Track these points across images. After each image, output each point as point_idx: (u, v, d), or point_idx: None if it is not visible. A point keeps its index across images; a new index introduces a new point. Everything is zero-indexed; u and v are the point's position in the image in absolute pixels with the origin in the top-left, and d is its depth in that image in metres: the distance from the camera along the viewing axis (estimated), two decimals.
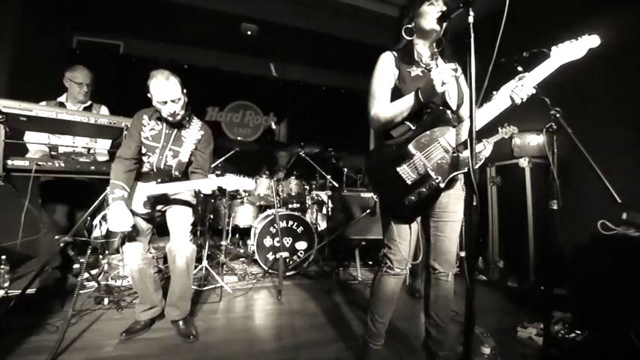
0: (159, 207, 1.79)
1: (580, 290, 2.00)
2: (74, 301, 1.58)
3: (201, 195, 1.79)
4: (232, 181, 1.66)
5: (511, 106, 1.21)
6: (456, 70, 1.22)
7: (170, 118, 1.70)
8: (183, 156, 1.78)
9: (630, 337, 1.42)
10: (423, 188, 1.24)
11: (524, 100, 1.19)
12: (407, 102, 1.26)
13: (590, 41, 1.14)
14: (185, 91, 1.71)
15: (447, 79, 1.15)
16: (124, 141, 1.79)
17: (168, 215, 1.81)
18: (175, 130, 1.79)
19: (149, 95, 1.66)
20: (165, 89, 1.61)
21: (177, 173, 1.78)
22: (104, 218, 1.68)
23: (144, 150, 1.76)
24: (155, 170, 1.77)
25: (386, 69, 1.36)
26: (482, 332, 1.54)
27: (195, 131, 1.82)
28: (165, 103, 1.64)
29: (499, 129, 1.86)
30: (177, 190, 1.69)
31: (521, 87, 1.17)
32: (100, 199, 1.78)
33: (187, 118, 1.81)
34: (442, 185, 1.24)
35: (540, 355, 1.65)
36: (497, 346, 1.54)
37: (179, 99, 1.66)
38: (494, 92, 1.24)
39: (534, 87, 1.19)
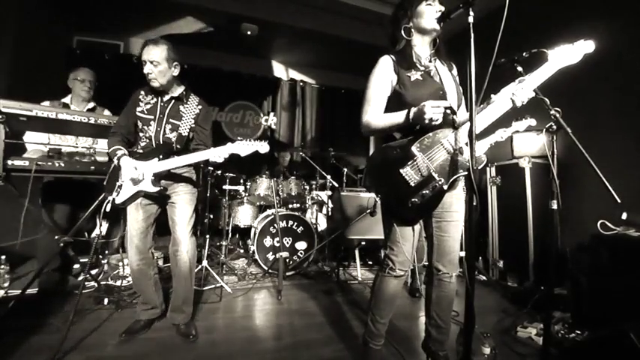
0: (164, 184, 1.73)
1: (580, 290, 1.99)
2: (77, 301, 1.58)
3: (211, 166, 1.75)
4: (245, 146, 1.62)
5: (511, 109, 1.22)
6: (452, 69, 1.22)
7: (151, 82, 1.69)
8: (183, 130, 1.77)
9: (630, 337, 1.41)
10: (426, 190, 1.24)
11: (524, 103, 1.21)
12: (398, 118, 1.27)
13: (585, 46, 1.17)
14: (176, 63, 1.73)
15: (436, 117, 1.16)
16: (120, 116, 1.81)
17: (169, 216, 1.80)
18: (172, 102, 1.79)
19: (136, 59, 1.68)
20: (147, 49, 1.65)
21: (178, 146, 1.75)
22: (105, 218, 1.66)
23: (139, 125, 1.75)
24: (154, 145, 1.74)
25: (383, 75, 1.35)
26: (482, 332, 1.54)
27: (193, 106, 1.82)
28: (145, 63, 1.66)
29: (513, 122, 1.86)
30: (186, 162, 1.65)
31: (522, 90, 1.18)
32: (100, 198, 1.78)
33: (185, 93, 1.82)
34: (445, 187, 1.24)
35: (540, 355, 1.65)
36: (497, 346, 1.54)
37: (158, 63, 1.66)
38: (493, 95, 1.26)
39: (533, 90, 1.20)
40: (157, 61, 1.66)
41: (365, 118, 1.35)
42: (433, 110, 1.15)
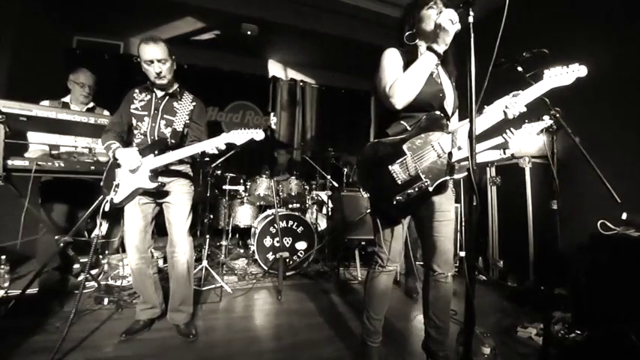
0: (162, 180, 1.70)
1: (580, 290, 1.99)
2: (77, 301, 1.57)
3: (207, 157, 1.74)
4: (240, 135, 1.62)
5: (502, 120, 1.26)
6: (452, 79, 1.25)
7: (157, 81, 1.71)
8: (177, 125, 1.77)
9: (630, 337, 1.41)
10: (411, 190, 1.25)
11: (515, 116, 1.25)
12: (423, 58, 1.24)
13: (578, 71, 1.22)
14: (174, 57, 1.75)
15: (455, 17, 1.14)
16: (113, 116, 1.82)
17: (165, 216, 1.80)
18: (167, 98, 1.79)
19: (139, 61, 1.70)
20: (153, 48, 1.66)
21: (173, 141, 1.75)
22: (104, 218, 1.65)
23: (134, 122, 1.75)
24: (149, 140, 1.73)
25: (395, 57, 1.34)
26: (482, 332, 1.54)
27: (187, 103, 1.83)
28: (152, 62, 1.66)
29: (525, 124, 1.86)
30: (182, 155, 1.64)
31: (515, 104, 1.22)
32: (100, 198, 1.78)
33: (179, 90, 1.83)
34: (431, 189, 1.25)
35: (540, 355, 1.65)
36: (497, 346, 1.54)
37: (166, 60, 1.69)
38: (486, 106, 1.28)
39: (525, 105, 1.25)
40: (165, 58, 1.69)
41: (389, 83, 1.27)
42: (446, 14, 1.14)
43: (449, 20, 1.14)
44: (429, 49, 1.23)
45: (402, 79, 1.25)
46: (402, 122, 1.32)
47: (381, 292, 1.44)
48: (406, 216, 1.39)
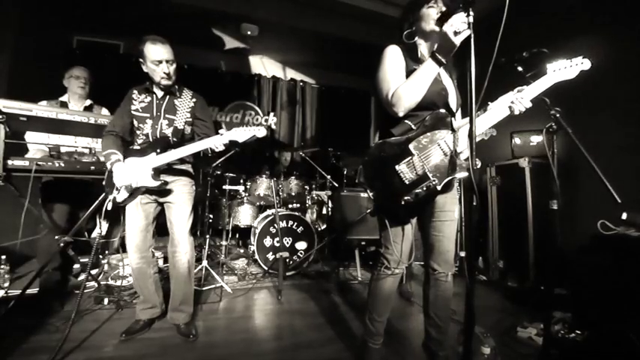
0: (164, 178, 1.70)
1: (580, 290, 1.99)
2: (78, 301, 1.58)
3: (216, 151, 1.74)
4: (242, 132, 1.64)
5: (508, 117, 1.27)
6: (453, 76, 1.24)
7: (164, 81, 1.70)
8: (178, 123, 1.77)
9: (630, 337, 1.41)
10: (419, 189, 1.24)
11: (522, 112, 1.25)
12: (426, 68, 1.21)
13: (582, 64, 1.22)
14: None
15: (460, 27, 1.10)
16: (114, 116, 1.81)
17: (167, 216, 1.80)
18: (167, 98, 1.78)
19: (141, 60, 1.69)
20: (162, 48, 1.66)
21: (174, 139, 1.76)
22: (105, 218, 1.66)
23: (135, 123, 1.75)
24: (151, 140, 1.73)
25: (396, 55, 1.33)
26: (482, 332, 1.54)
27: (187, 99, 1.83)
28: (161, 62, 1.66)
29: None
30: (185, 153, 1.65)
31: (521, 99, 1.23)
32: (100, 198, 1.78)
33: (177, 88, 1.82)
34: (439, 188, 1.25)
35: (540, 355, 1.65)
36: (497, 346, 1.54)
37: (173, 61, 1.71)
38: (490, 103, 1.27)
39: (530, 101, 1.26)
40: (173, 59, 1.70)
41: (392, 90, 1.26)
42: (453, 25, 1.09)
43: (453, 32, 1.09)
44: (433, 57, 1.19)
45: (403, 88, 1.23)
46: (406, 121, 1.31)
47: (385, 294, 1.43)
48: (414, 215, 1.38)
